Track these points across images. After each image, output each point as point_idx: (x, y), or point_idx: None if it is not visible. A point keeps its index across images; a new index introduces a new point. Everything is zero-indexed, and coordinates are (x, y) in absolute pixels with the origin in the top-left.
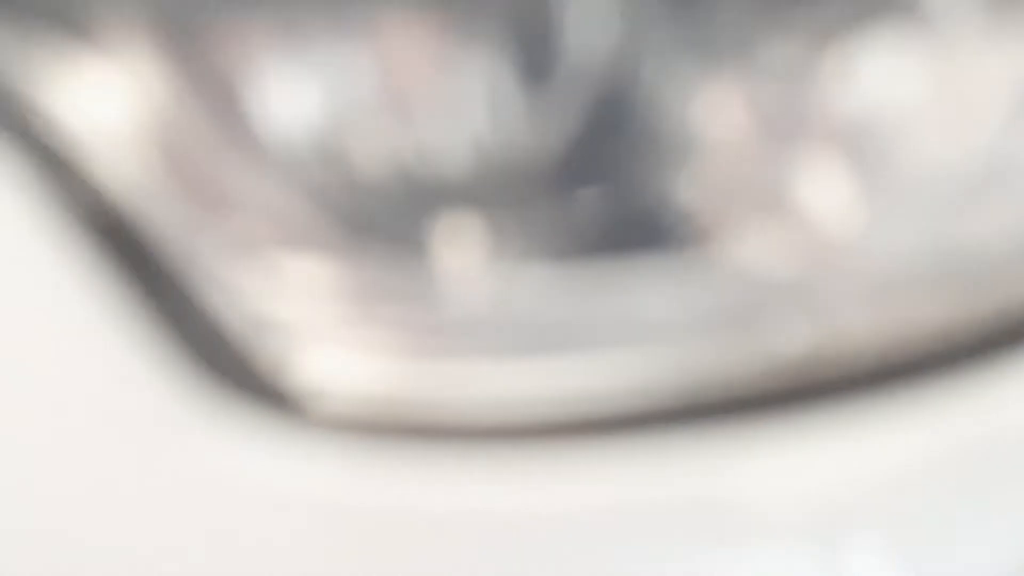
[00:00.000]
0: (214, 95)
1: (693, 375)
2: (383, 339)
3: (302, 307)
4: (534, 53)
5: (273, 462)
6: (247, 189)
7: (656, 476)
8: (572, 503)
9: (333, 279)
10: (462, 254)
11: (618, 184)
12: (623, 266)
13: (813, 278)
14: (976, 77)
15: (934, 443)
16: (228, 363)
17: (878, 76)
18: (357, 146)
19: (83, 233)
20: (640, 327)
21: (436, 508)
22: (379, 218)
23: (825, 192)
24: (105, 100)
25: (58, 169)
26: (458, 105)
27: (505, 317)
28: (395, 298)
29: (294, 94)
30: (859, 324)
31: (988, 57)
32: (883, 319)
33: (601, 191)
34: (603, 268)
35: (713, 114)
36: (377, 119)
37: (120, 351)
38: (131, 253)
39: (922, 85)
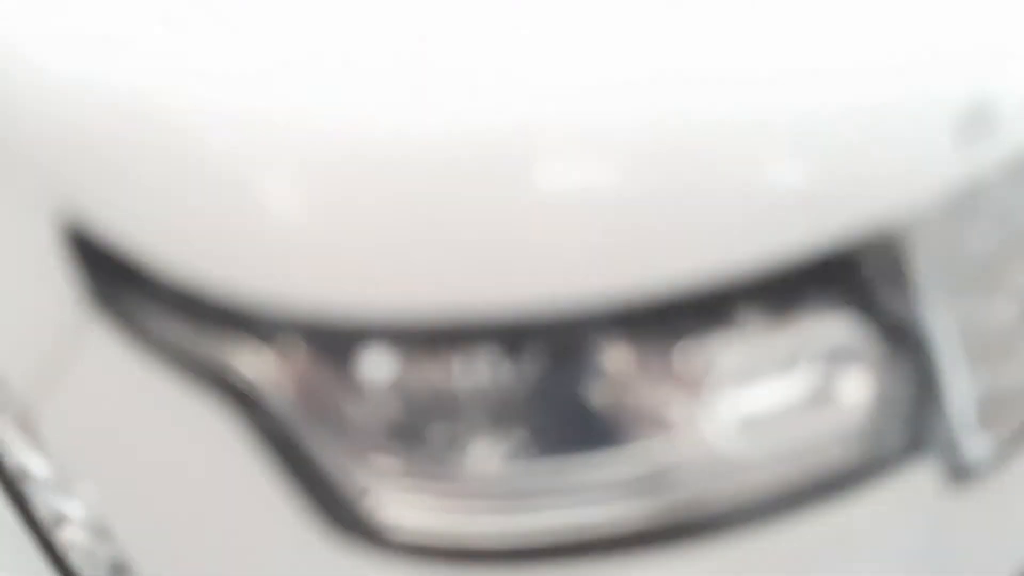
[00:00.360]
0: (331, 372)
1: (622, 515)
2: (431, 499)
3: (385, 480)
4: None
5: (368, 567)
6: (355, 418)
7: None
8: None
9: (403, 466)
10: (477, 453)
11: (571, 405)
12: (581, 454)
13: (689, 460)
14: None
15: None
16: (342, 512)
17: (710, 351)
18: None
19: (263, 441)
20: (588, 489)
21: None
22: (429, 434)
23: (691, 410)
24: (270, 366)
25: (248, 406)
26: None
27: (502, 486)
28: (438, 476)
29: (378, 367)
30: (715, 486)
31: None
32: (731, 483)
33: (559, 409)
34: (567, 455)
35: (629, 373)
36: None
37: (283, 507)
38: (289, 452)
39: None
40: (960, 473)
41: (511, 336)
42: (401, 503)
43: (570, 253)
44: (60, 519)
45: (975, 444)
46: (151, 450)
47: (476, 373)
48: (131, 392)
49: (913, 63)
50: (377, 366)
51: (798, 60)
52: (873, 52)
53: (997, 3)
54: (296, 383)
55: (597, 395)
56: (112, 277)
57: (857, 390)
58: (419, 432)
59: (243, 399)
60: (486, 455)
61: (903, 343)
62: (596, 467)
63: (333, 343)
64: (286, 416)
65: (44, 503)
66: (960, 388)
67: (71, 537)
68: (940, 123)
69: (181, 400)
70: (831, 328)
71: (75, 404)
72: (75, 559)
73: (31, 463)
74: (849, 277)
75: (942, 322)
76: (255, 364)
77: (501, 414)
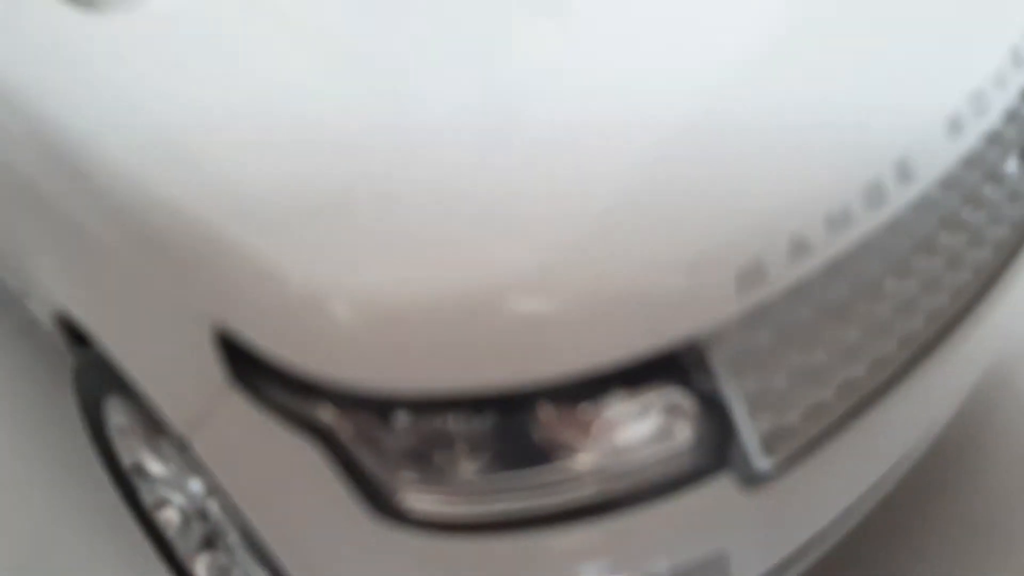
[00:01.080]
0: (376, 421)
1: (549, 503)
2: (435, 496)
3: (408, 485)
4: None
5: (398, 536)
6: (390, 449)
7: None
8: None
9: (418, 476)
10: (461, 468)
11: (518, 440)
12: (524, 469)
13: (588, 471)
14: (628, 412)
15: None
16: (382, 503)
17: (598, 409)
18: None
19: (336, 463)
20: (529, 489)
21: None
22: (433, 458)
23: (588, 442)
24: (340, 418)
25: (327, 442)
26: None
27: (476, 488)
28: (439, 483)
29: (403, 419)
30: (604, 486)
31: (630, 406)
32: (614, 484)
33: (511, 443)
34: (516, 469)
35: (551, 421)
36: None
37: (348, 501)
38: (352, 469)
39: (611, 413)
40: (751, 481)
41: (482, 401)
42: (417, 498)
43: (517, 355)
44: (161, 504)
45: (760, 463)
46: (266, 469)
47: (461, 422)
48: (253, 433)
49: (706, 240)
50: (402, 418)
51: (654, 227)
52: (679, 236)
53: (760, 189)
54: (355, 428)
55: (533, 434)
56: (243, 362)
57: (684, 431)
58: (427, 457)
59: (324, 438)
60: (467, 469)
61: (710, 404)
62: (533, 476)
63: (378, 405)
64: (349, 447)
65: (150, 492)
66: (747, 429)
67: (168, 517)
68: (728, 277)
69: (285, 438)
70: (667, 395)
71: (215, 439)
72: (171, 533)
73: (151, 465)
74: (677, 366)
75: (734, 391)
76: (331, 417)
77: (476, 446)
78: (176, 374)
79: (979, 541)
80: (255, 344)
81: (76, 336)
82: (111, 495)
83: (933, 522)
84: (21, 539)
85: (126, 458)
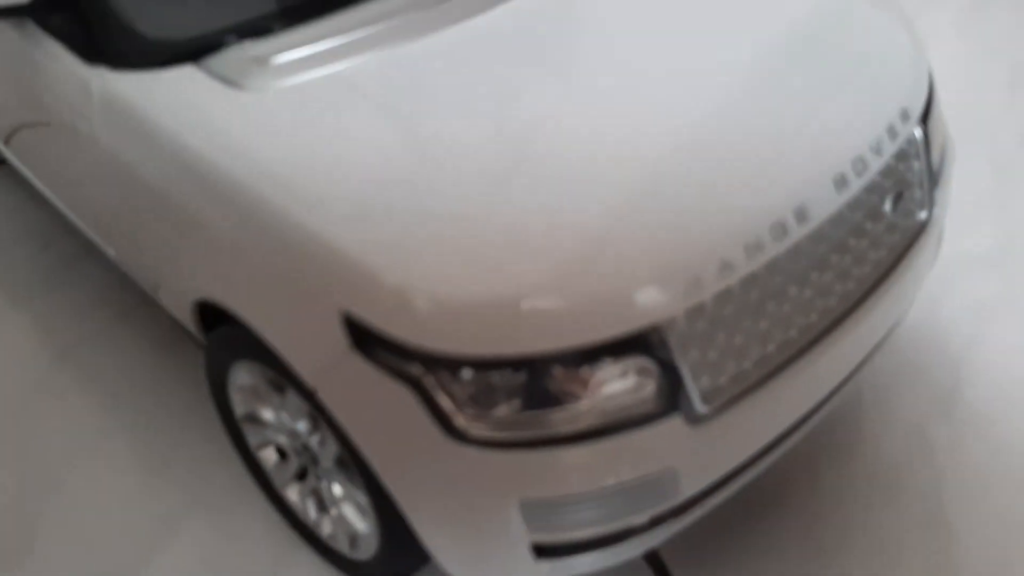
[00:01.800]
0: (450, 375)
1: (561, 430)
2: (486, 425)
3: (470, 418)
4: None
5: (463, 450)
6: (458, 394)
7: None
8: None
9: (475, 412)
10: (502, 408)
11: (540, 390)
12: (545, 409)
13: (587, 410)
14: (613, 372)
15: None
16: (454, 430)
17: (594, 370)
18: (479, 388)
19: (424, 404)
20: (549, 423)
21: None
22: (484, 400)
23: (587, 392)
24: (426, 373)
25: (418, 389)
26: None
27: (513, 421)
28: (488, 417)
29: (466, 374)
30: (599, 419)
31: (614, 368)
32: (605, 418)
33: (535, 392)
34: (539, 409)
35: (563, 378)
36: None
37: (433, 429)
38: (434, 408)
39: (602, 374)
40: (694, 420)
41: (517, 363)
42: (475, 426)
43: (541, 333)
44: (263, 445)
45: (700, 408)
46: (375, 407)
47: (503, 377)
48: (367, 382)
49: (663, 261)
50: (466, 373)
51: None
52: (646, 257)
53: (699, 226)
54: (436, 379)
55: (550, 386)
56: (361, 335)
57: (650, 385)
58: (480, 400)
59: (415, 386)
60: (506, 408)
61: (667, 368)
62: (550, 414)
63: (450, 364)
64: (432, 392)
65: (256, 435)
66: (692, 386)
67: (267, 455)
68: (679, 286)
69: (389, 386)
70: (639, 362)
71: (338, 388)
72: (268, 467)
73: (264, 414)
74: (645, 342)
75: (683, 360)
76: (420, 372)
77: (512, 393)
78: (311, 343)
79: (879, 494)
80: (369, 323)
81: (206, 321)
82: (214, 446)
83: (842, 476)
84: (140, 472)
85: (239, 409)
